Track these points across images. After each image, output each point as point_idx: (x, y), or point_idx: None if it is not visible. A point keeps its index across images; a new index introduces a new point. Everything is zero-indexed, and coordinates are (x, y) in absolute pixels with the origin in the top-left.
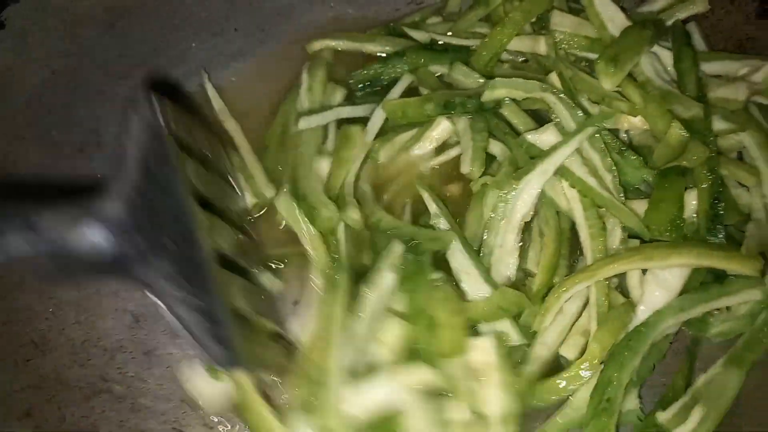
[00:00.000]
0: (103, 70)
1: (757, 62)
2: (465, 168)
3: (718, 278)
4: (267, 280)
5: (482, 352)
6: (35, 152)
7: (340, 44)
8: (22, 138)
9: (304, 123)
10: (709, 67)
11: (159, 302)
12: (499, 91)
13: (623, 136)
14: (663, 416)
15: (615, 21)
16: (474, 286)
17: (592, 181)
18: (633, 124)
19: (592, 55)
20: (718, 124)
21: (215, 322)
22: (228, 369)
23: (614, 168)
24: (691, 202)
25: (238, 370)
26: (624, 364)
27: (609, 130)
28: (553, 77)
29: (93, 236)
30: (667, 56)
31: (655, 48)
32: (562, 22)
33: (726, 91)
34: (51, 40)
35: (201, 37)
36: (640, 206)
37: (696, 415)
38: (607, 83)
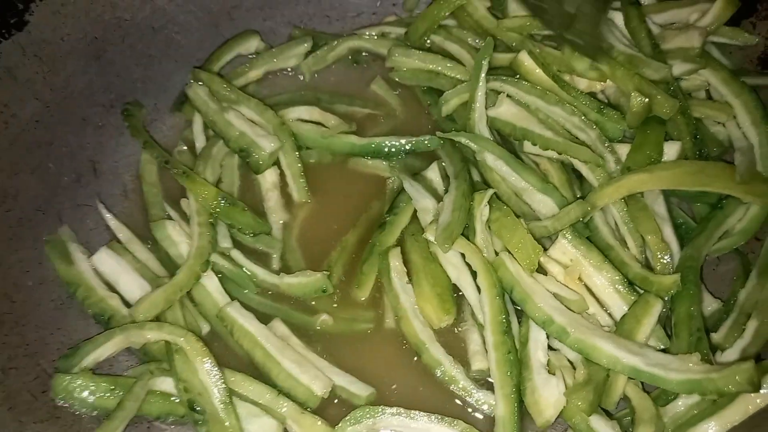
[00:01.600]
0: (91, 101)
1: (704, 5)
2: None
3: (715, 207)
4: None
5: (561, 253)
6: (34, 184)
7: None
8: (19, 171)
9: None
10: (661, 18)
11: None
12: (453, 101)
13: (601, 96)
14: (717, 336)
15: None
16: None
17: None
18: (605, 84)
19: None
20: (679, 68)
21: None
22: None
23: (596, 127)
24: (673, 149)
25: None
26: (693, 296)
27: (587, 93)
28: (523, 56)
29: None
30: (620, 18)
31: (610, 13)
32: (517, 9)
33: (682, 40)
34: (39, 74)
35: (185, 67)
36: (624, 149)
37: (750, 328)
38: (580, 65)
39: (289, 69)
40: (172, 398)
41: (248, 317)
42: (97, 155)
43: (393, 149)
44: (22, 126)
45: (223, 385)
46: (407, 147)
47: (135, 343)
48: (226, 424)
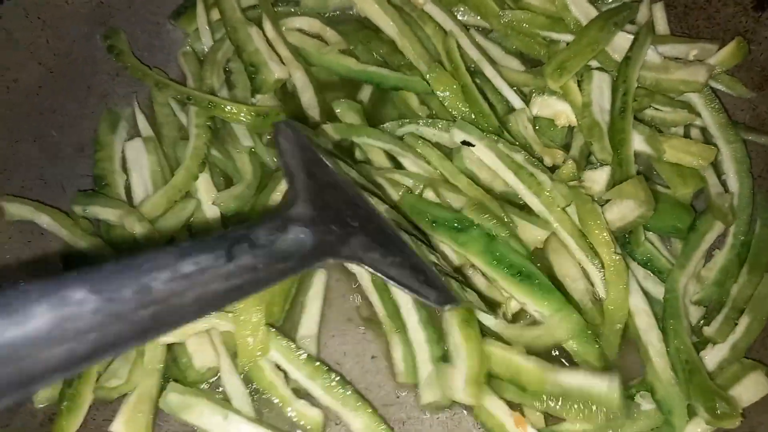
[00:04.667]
0: (95, 68)
1: (704, 44)
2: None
3: (690, 229)
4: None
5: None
6: (36, 154)
7: None
8: (20, 139)
9: None
10: (663, 49)
11: (371, 270)
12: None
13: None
14: (709, 330)
15: (578, 4)
16: None
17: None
18: (570, 120)
19: (555, 35)
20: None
21: (421, 271)
22: (448, 306)
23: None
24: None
25: (456, 304)
26: (677, 330)
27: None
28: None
29: (298, 235)
30: (627, 41)
31: (620, 33)
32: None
33: (686, 73)
34: (41, 38)
35: None
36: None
37: (743, 324)
38: (552, 85)
39: None
40: None
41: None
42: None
43: (384, 81)
44: (24, 92)
45: None
46: (399, 84)
47: (125, 223)
48: None
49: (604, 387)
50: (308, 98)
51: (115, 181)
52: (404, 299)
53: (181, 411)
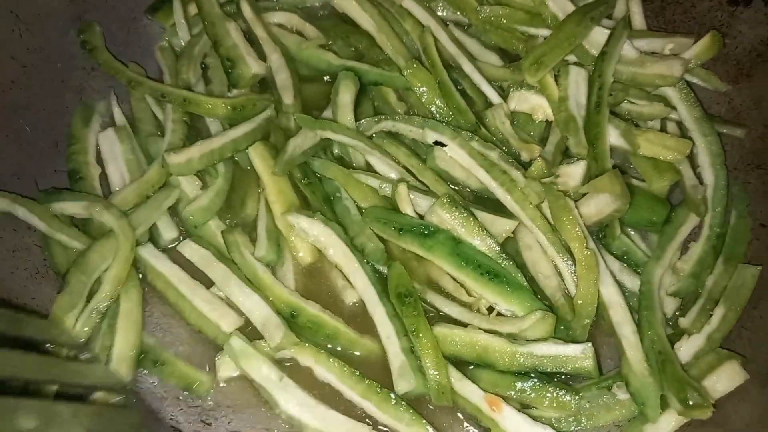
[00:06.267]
0: (70, 63)
1: (680, 39)
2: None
3: (665, 222)
4: None
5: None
6: (12, 150)
7: None
8: None
9: None
10: (639, 44)
11: None
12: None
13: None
14: (685, 321)
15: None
16: None
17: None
18: (547, 114)
19: (533, 30)
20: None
21: None
22: None
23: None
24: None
25: None
26: (651, 322)
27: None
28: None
29: None
30: (604, 36)
31: (597, 28)
32: None
33: (662, 67)
34: (15, 33)
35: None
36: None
37: (717, 314)
38: (530, 79)
39: None
40: None
41: (161, 258)
42: None
43: (363, 76)
44: None
45: None
46: (378, 79)
47: (94, 214)
48: None
49: (578, 351)
50: (283, 79)
51: (89, 174)
52: (369, 294)
53: (241, 359)
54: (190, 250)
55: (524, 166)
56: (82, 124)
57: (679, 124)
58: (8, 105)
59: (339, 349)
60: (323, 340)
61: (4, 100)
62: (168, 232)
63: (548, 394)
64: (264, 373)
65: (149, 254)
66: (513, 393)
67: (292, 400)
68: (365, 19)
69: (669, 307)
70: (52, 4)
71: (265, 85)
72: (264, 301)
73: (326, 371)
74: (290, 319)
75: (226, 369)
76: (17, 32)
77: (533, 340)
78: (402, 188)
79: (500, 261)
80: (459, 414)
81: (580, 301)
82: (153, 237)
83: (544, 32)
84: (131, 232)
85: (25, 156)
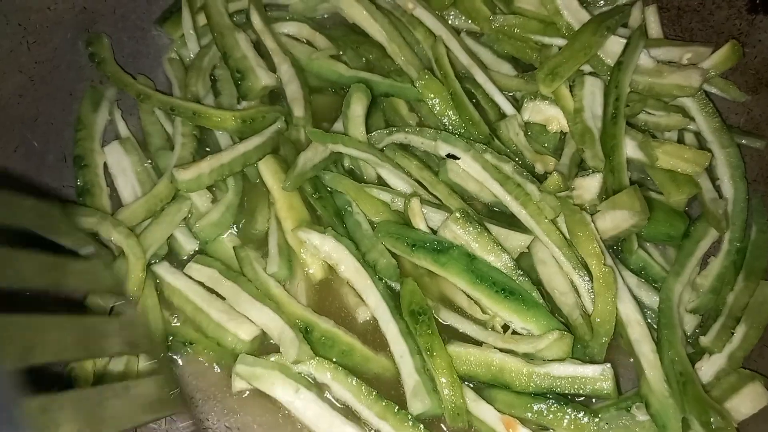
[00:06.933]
0: (79, 75)
1: (698, 48)
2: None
3: (684, 236)
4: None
5: (586, 189)
6: (20, 163)
7: None
8: (2, 150)
9: None
10: (656, 53)
11: None
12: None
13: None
14: (705, 340)
15: (570, 8)
16: None
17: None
18: (562, 125)
19: (547, 39)
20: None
21: None
22: None
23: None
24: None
25: None
26: (671, 340)
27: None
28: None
29: None
30: (620, 46)
31: (613, 37)
32: (528, 0)
33: (680, 77)
34: (23, 45)
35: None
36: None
37: (739, 333)
38: (544, 90)
39: None
40: None
41: (176, 274)
42: None
43: (375, 87)
44: (4, 100)
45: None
46: (390, 90)
47: (101, 232)
48: None
49: (597, 372)
50: (293, 90)
51: (94, 161)
52: (382, 311)
53: (253, 380)
54: (197, 272)
55: (539, 179)
56: (90, 109)
57: (697, 135)
58: (15, 118)
59: (351, 365)
60: (337, 357)
61: (12, 113)
62: (188, 244)
63: (566, 416)
64: (280, 391)
65: (164, 271)
66: (530, 414)
67: (307, 412)
68: (376, 29)
69: (688, 325)
70: (61, 16)
71: (274, 96)
72: (278, 315)
73: (343, 389)
74: (304, 334)
75: (240, 382)
76: (25, 45)
77: (550, 360)
78: (415, 202)
79: (515, 277)
80: None
81: (597, 319)
82: (173, 249)
83: (559, 41)
84: (141, 251)
85: (34, 170)
